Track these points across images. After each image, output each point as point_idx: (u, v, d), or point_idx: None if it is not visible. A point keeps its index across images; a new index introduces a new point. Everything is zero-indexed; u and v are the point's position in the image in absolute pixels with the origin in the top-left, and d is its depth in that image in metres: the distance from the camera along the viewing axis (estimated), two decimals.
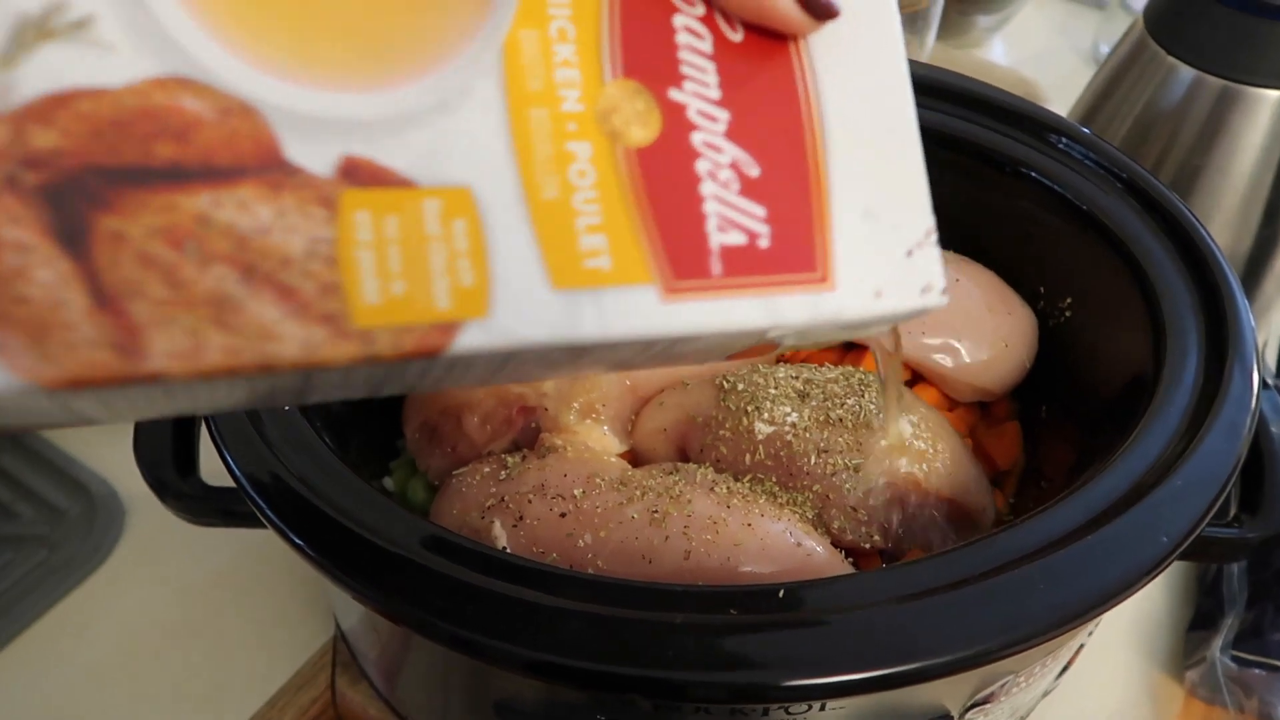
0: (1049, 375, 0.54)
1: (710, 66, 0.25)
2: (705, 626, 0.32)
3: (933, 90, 0.55)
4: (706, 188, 0.25)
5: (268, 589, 0.61)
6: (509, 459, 0.47)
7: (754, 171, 0.25)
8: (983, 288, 0.54)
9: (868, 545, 0.46)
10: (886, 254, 0.27)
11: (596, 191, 0.24)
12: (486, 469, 0.47)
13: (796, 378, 0.49)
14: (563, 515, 0.43)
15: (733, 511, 0.43)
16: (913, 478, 0.46)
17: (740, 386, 0.49)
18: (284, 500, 0.36)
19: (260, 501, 0.36)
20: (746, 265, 0.25)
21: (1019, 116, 0.53)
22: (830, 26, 0.27)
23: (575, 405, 0.48)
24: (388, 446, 0.54)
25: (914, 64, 0.55)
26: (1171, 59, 0.60)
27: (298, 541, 0.35)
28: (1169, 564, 0.35)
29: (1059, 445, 0.53)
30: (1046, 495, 0.51)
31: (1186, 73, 0.59)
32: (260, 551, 0.62)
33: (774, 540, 0.43)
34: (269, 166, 0.21)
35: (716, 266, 0.24)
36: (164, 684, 0.57)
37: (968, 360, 0.52)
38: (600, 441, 0.49)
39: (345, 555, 0.35)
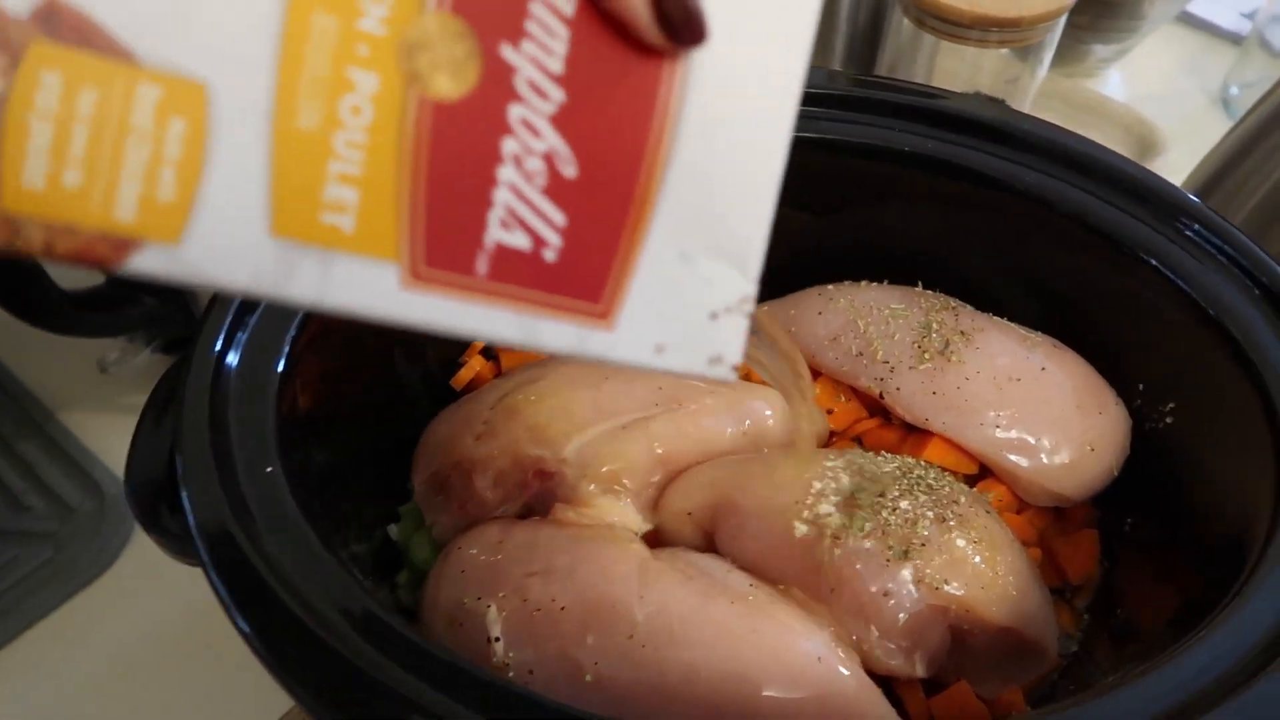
0: (1139, 484, 0.47)
1: (564, 33, 0.21)
2: None
3: (1042, 149, 0.48)
4: (505, 173, 0.21)
5: None
6: (518, 527, 0.43)
7: (569, 171, 0.21)
8: (1074, 380, 0.47)
9: (908, 674, 0.40)
10: (687, 309, 0.23)
11: (366, 136, 0.19)
12: (492, 537, 0.43)
13: (846, 469, 0.43)
14: (563, 608, 0.39)
15: (755, 624, 0.38)
16: (965, 601, 0.40)
17: (778, 471, 0.43)
18: (232, 568, 0.33)
19: (208, 563, 0.33)
20: (520, 274, 0.21)
21: (1145, 191, 0.46)
22: (723, 53, 0.22)
23: (597, 477, 0.44)
24: (401, 485, 0.50)
25: (1027, 119, 0.49)
26: None
27: (240, 623, 0.31)
28: None
29: (1143, 566, 0.46)
30: (1121, 625, 0.45)
31: None
32: None
33: (799, 662, 0.38)
34: None
35: (483, 265, 0.21)
36: (162, 700, 0.55)
37: (1046, 462, 0.46)
38: (621, 518, 0.44)
39: (282, 645, 0.31)
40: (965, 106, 0.50)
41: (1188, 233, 0.45)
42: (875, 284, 0.53)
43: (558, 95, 0.21)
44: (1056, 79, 0.90)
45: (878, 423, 0.50)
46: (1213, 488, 0.43)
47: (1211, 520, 0.42)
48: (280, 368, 0.38)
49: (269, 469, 0.36)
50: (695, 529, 0.44)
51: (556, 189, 0.21)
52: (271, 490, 0.36)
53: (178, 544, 0.42)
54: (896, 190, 0.51)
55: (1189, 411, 0.45)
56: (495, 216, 0.21)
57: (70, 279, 0.58)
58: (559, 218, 0.21)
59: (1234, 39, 0.99)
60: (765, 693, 0.37)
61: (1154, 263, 0.44)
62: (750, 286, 0.24)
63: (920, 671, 0.40)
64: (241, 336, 0.39)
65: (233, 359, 0.38)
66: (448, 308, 0.21)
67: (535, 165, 0.21)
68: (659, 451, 0.45)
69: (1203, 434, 0.44)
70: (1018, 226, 0.49)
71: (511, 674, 0.39)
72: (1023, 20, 0.62)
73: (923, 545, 0.40)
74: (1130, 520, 0.48)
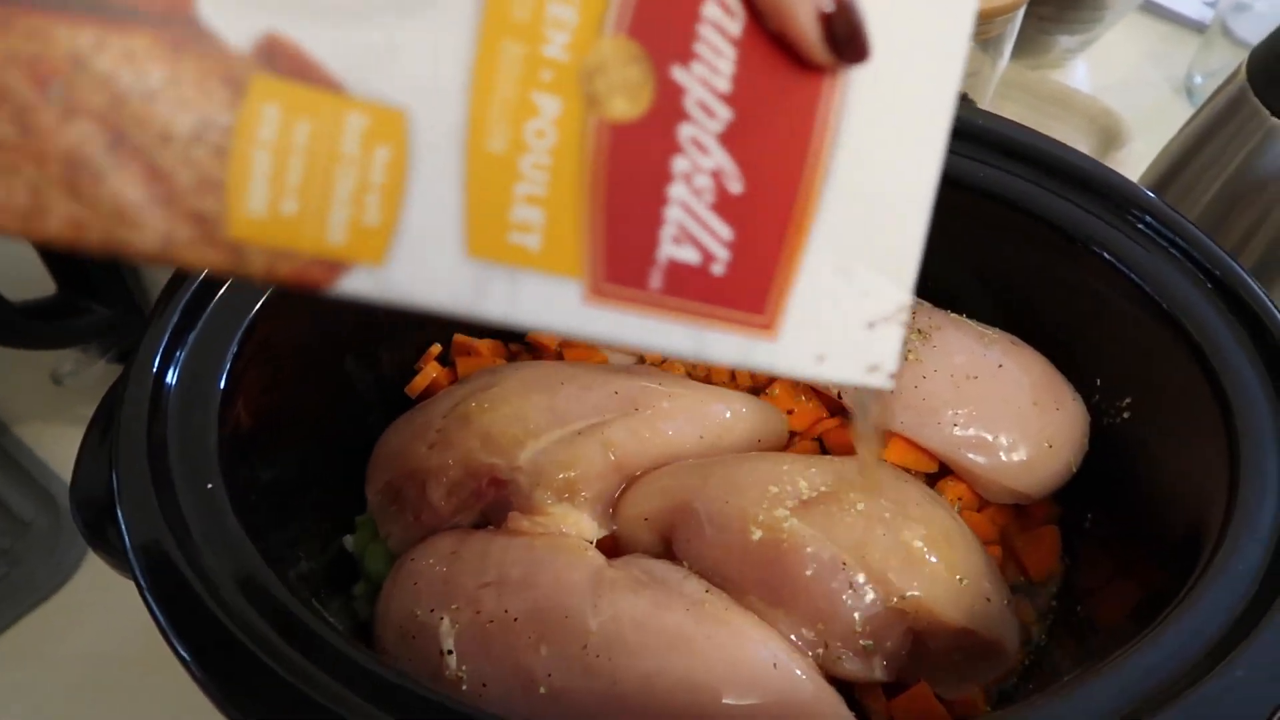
0: (1099, 480, 0.47)
1: (730, 53, 0.21)
2: None
3: (1000, 146, 0.48)
4: (676, 190, 0.21)
5: None
6: (472, 538, 0.43)
7: (736, 188, 0.22)
8: (1031, 376, 0.47)
9: (867, 677, 0.40)
10: (845, 319, 0.24)
11: (550, 159, 0.20)
12: (445, 548, 0.42)
13: (803, 472, 0.43)
14: (516, 620, 0.38)
15: (710, 631, 0.38)
16: (923, 603, 0.39)
17: (735, 476, 0.43)
18: (168, 589, 0.32)
19: (143, 585, 0.32)
20: (691, 288, 0.22)
21: (1099, 186, 0.46)
22: (881, 71, 0.23)
23: (552, 485, 0.43)
24: (357, 495, 0.50)
25: (981, 114, 0.49)
26: (1275, 119, 0.52)
27: (176, 647, 0.31)
28: None
29: (1104, 562, 0.46)
30: (1084, 622, 0.45)
31: None
32: None
33: (755, 668, 0.38)
34: (174, 19, 0.17)
35: (657, 280, 0.22)
36: (122, 718, 0.53)
37: (1004, 460, 0.46)
38: (576, 526, 0.43)
39: (220, 668, 0.30)
40: None
41: (1141, 226, 0.44)
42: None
43: (725, 114, 0.21)
44: (1022, 70, 0.90)
45: (838, 423, 0.50)
46: (1170, 482, 0.43)
47: (1169, 515, 0.42)
48: (222, 384, 0.38)
49: (209, 485, 0.35)
50: (653, 535, 0.44)
51: (723, 205, 0.22)
52: (211, 508, 0.35)
53: (124, 561, 0.41)
54: None
55: (1145, 406, 0.45)
56: (668, 233, 0.22)
57: (18, 290, 0.57)
58: (726, 232, 0.22)
59: (1198, 28, 0.99)
60: (722, 700, 0.37)
61: (1108, 257, 0.44)
62: (906, 297, 0.25)
63: (879, 674, 0.40)
64: (180, 354, 0.38)
65: (172, 377, 0.37)
66: (625, 322, 0.22)
67: (704, 182, 0.22)
68: (614, 458, 0.45)
69: (1159, 428, 0.44)
70: (973, 223, 0.48)
71: (465, 687, 0.38)
72: (981, 14, 0.62)
73: (880, 548, 0.40)
74: (1090, 516, 0.48)
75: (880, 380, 0.25)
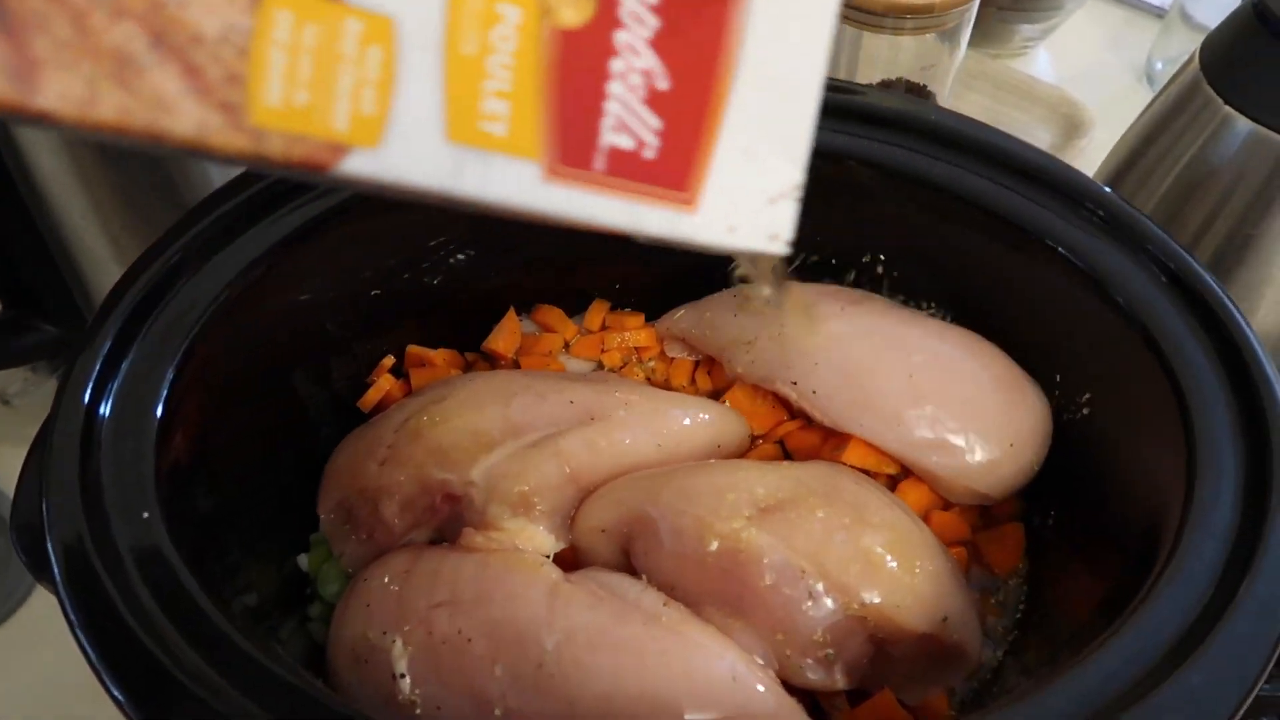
0: (1061, 477, 0.47)
1: None
2: None
3: (952, 141, 0.47)
4: (614, 87, 0.25)
5: None
6: (426, 555, 0.42)
7: (663, 85, 0.26)
8: (991, 372, 0.47)
9: (829, 686, 0.39)
10: (751, 195, 0.28)
11: (512, 59, 0.24)
12: (398, 567, 0.41)
13: (761, 479, 0.42)
14: (470, 640, 0.38)
15: (667, 645, 0.37)
16: (883, 609, 0.39)
17: (691, 485, 0.42)
18: (101, 625, 0.31)
19: (74, 621, 0.31)
20: (627, 169, 0.26)
21: (1049, 179, 0.45)
22: None
23: (506, 499, 0.42)
24: (310, 513, 0.49)
25: (935, 110, 0.49)
26: (1228, 108, 0.51)
27: (109, 686, 0.30)
28: None
29: (1068, 561, 0.46)
30: (1050, 621, 0.45)
31: (1244, 125, 0.51)
32: None
33: (714, 681, 0.37)
34: None
35: (600, 162, 0.26)
36: None
37: (966, 461, 0.45)
38: (532, 540, 0.43)
39: (156, 708, 0.30)
40: (874, 101, 0.49)
41: (1096, 221, 0.44)
42: (792, 282, 0.52)
43: (653, 22, 0.25)
44: (983, 60, 0.90)
45: (799, 425, 0.49)
46: (1129, 479, 0.43)
47: (1129, 512, 0.42)
48: (158, 413, 0.36)
49: (144, 515, 0.34)
50: (611, 546, 0.43)
51: (653, 99, 0.26)
52: (147, 537, 0.34)
53: None
54: (809, 186, 0.50)
55: (1104, 402, 0.45)
56: (608, 123, 0.25)
57: None
58: (655, 122, 0.26)
59: (1157, 13, 0.99)
60: (683, 715, 0.36)
61: (1064, 252, 0.44)
62: (799, 174, 0.29)
63: (841, 683, 0.39)
64: (113, 385, 0.37)
65: (105, 409, 0.36)
66: (575, 198, 0.26)
67: (636, 80, 0.26)
68: (569, 470, 0.44)
69: (1118, 424, 0.44)
70: (930, 219, 0.48)
71: (419, 712, 0.37)
72: (935, 6, 0.61)
73: (839, 555, 0.39)
74: (1053, 514, 0.47)
75: (779, 247, 0.29)
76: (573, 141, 0.25)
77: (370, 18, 0.22)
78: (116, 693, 0.30)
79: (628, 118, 0.26)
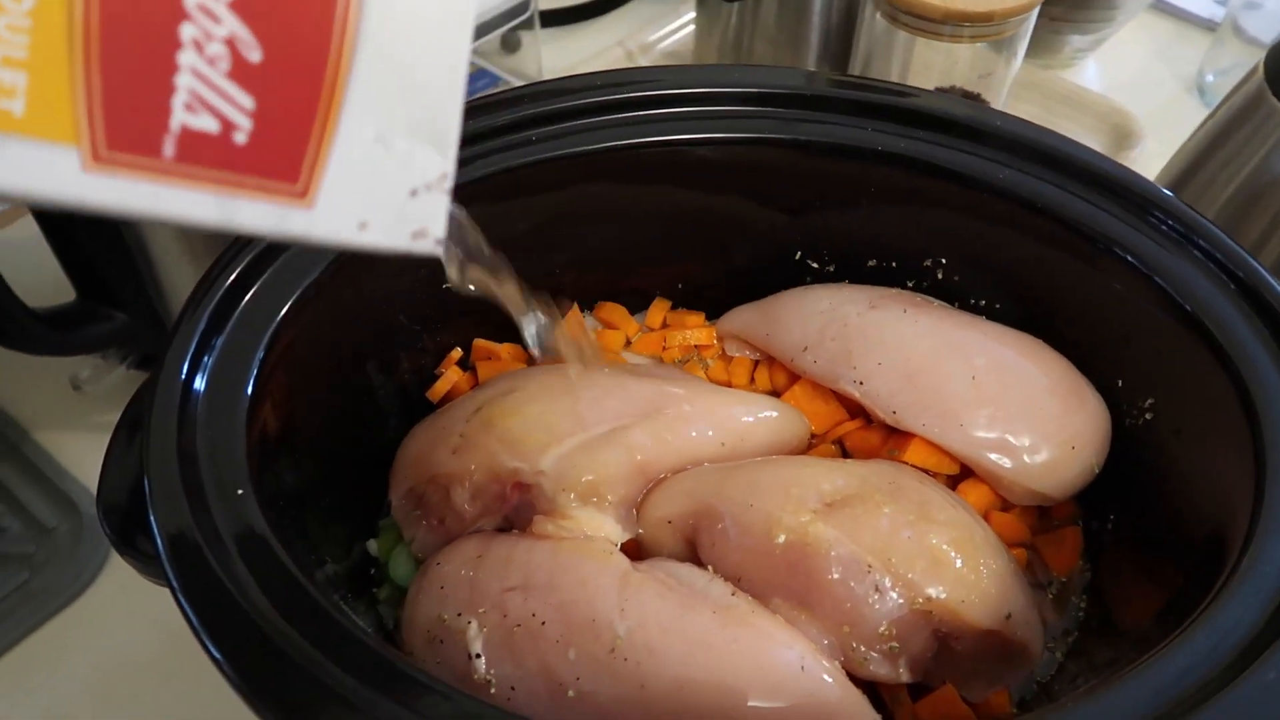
0: (1121, 481, 0.47)
1: None
2: None
3: (1018, 147, 0.48)
4: (186, 58, 0.21)
5: None
6: (497, 542, 0.43)
7: (254, 56, 0.22)
8: (1052, 377, 0.47)
9: (893, 679, 0.40)
10: (387, 187, 0.25)
11: (30, 20, 0.20)
12: (470, 552, 0.42)
13: (827, 475, 0.43)
14: (543, 624, 0.38)
15: (736, 634, 0.38)
16: (948, 605, 0.40)
17: (758, 479, 0.43)
18: (203, 592, 0.32)
19: (177, 588, 0.32)
20: (210, 156, 0.22)
21: (1118, 186, 0.46)
22: None
23: (575, 489, 0.43)
24: (380, 500, 0.50)
25: (998, 115, 0.49)
26: None
27: (210, 648, 0.31)
28: None
29: (1128, 564, 0.46)
30: (1109, 624, 0.45)
31: None
32: None
33: (781, 671, 0.38)
34: None
35: (170, 149, 0.22)
36: None
37: (1027, 462, 0.45)
38: (600, 529, 0.43)
39: (253, 670, 0.31)
40: (936, 104, 0.49)
41: (1162, 227, 0.44)
42: (854, 284, 0.53)
43: None
44: (1033, 70, 0.90)
45: (859, 425, 0.50)
46: (1193, 484, 0.43)
47: (1192, 517, 0.42)
48: (249, 390, 0.38)
49: (240, 491, 0.36)
50: (676, 538, 0.44)
51: (241, 73, 0.22)
52: (243, 513, 0.35)
53: (151, 566, 0.41)
54: (871, 190, 0.50)
55: (1168, 407, 0.45)
56: (179, 101, 0.21)
57: (39, 298, 0.57)
58: (247, 101, 0.22)
59: (1208, 26, 0.99)
60: (749, 703, 0.37)
61: (1128, 258, 0.44)
62: (448, 165, 0.25)
63: (905, 676, 0.40)
64: (208, 360, 0.38)
65: (200, 384, 0.37)
66: (137, 190, 0.21)
67: (217, 50, 0.22)
68: (638, 460, 0.45)
69: (1182, 430, 0.44)
70: (992, 223, 0.48)
71: (493, 691, 0.38)
72: (994, 14, 0.62)
73: (904, 550, 0.40)
74: (1113, 517, 0.48)
75: (427, 246, 0.26)
76: (129, 124, 0.21)
77: None
78: (217, 654, 0.31)
79: (209, 95, 0.22)
